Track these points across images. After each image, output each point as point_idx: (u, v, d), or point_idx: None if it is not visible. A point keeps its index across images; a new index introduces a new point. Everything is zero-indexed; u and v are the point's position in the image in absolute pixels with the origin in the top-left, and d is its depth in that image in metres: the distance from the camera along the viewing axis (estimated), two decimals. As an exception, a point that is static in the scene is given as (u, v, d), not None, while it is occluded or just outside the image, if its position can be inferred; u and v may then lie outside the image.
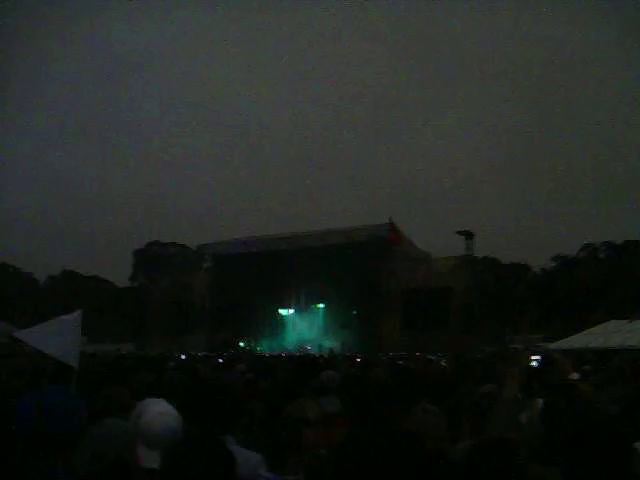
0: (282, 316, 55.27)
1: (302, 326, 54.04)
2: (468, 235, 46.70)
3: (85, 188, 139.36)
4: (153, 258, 78.54)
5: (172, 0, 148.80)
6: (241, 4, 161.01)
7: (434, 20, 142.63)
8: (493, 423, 3.12)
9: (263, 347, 51.96)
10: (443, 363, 13.96)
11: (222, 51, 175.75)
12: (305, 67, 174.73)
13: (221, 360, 18.50)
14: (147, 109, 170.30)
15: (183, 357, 25.02)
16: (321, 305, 53.78)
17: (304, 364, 13.29)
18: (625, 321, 27.77)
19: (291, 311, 55.19)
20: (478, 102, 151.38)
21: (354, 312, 50.44)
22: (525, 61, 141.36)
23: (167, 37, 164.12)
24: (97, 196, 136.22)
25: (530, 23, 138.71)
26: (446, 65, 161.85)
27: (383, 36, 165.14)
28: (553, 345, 28.97)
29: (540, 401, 4.64)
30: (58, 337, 6.68)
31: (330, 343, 48.16)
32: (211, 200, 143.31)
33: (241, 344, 51.59)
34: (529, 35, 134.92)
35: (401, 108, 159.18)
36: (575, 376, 3.58)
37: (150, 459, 3.22)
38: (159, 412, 3.44)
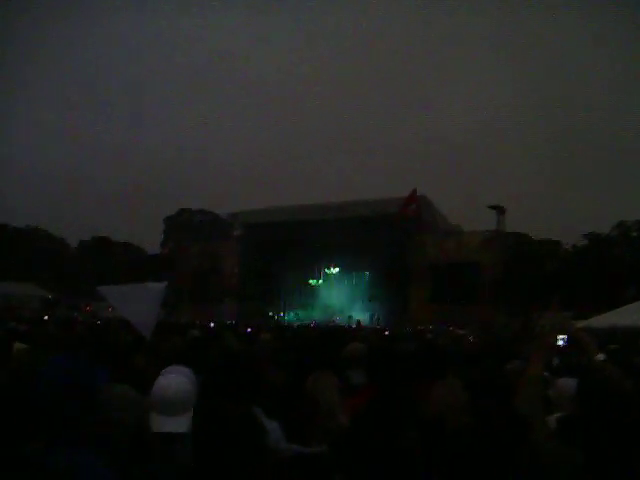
0: (311, 286, 55.36)
1: (331, 297, 54.08)
2: (500, 210, 46.35)
3: (117, 154, 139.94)
4: (184, 225, 78.87)
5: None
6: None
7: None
8: (518, 400, 3.11)
9: (292, 317, 52.13)
10: (471, 338, 13.91)
11: (245, 20, 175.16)
12: (335, 40, 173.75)
13: (249, 329, 18.62)
14: (179, 76, 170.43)
15: (212, 325, 25.27)
16: (350, 276, 53.82)
17: (332, 335, 13.35)
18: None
19: (320, 281, 55.28)
20: (513, 71, 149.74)
21: (382, 284, 50.38)
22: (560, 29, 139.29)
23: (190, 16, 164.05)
24: (129, 162, 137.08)
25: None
26: (475, 27, 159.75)
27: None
28: (582, 323, 28.79)
29: (563, 380, 4.62)
30: (139, 303, 6.73)
31: (358, 315, 48.23)
32: (243, 169, 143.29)
33: (270, 313, 51.79)
34: None
35: (432, 77, 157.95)
36: (601, 357, 3.53)
37: (163, 424, 3.26)
38: (172, 377, 3.46)
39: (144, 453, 3.11)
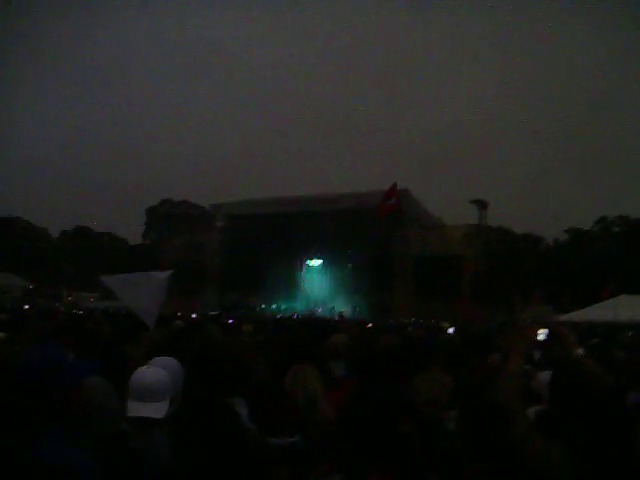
0: (293, 278, 55.36)
1: (313, 289, 54.12)
2: (482, 204, 46.60)
3: (100, 145, 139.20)
4: (166, 216, 78.66)
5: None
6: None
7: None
8: (498, 394, 3.13)
9: (274, 308, 52.12)
10: (451, 330, 13.95)
11: (237, 10, 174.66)
12: (321, 30, 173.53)
13: (231, 320, 18.60)
14: (164, 68, 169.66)
15: (193, 316, 25.22)
16: (333, 268, 53.86)
17: (314, 327, 13.36)
18: (637, 296, 27.73)
19: (302, 273, 55.30)
20: (496, 67, 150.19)
21: (365, 277, 50.47)
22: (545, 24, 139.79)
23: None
24: (111, 153, 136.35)
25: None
26: (461, 26, 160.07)
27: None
28: (563, 317, 28.94)
29: (545, 374, 4.65)
30: (144, 292, 6.69)
31: (341, 307, 48.29)
32: (225, 160, 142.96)
33: (252, 305, 51.76)
34: None
35: (415, 73, 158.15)
36: (580, 352, 3.56)
37: (138, 409, 3.28)
38: (147, 368, 3.48)
39: (123, 444, 3.13)
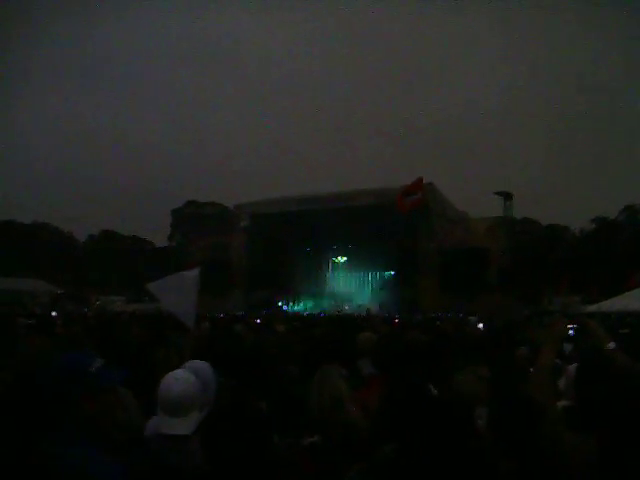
0: (320, 275, 55.46)
1: (340, 286, 54.19)
2: (507, 196, 46.24)
3: (125, 148, 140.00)
4: (191, 217, 78.96)
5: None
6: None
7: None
8: (530, 388, 3.11)
9: (301, 306, 52.23)
10: (480, 325, 13.86)
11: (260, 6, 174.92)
12: (335, 22, 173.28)
13: (258, 320, 18.65)
14: (188, 69, 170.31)
15: (221, 316, 25.34)
16: (359, 265, 53.85)
17: (342, 325, 13.34)
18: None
19: (328, 271, 55.37)
20: (520, 61, 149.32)
21: (392, 273, 50.40)
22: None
23: None
24: (137, 156, 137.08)
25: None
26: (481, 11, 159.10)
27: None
28: (592, 307, 28.70)
29: (574, 367, 4.61)
30: (179, 293, 6.75)
31: (367, 303, 48.36)
32: (248, 160, 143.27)
33: (279, 303, 51.87)
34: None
35: (435, 63, 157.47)
36: (611, 345, 3.52)
37: (167, 425, 3.28)
38: (175, 378, 3.46)
39: (142, 452, 3.14)
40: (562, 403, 3.60)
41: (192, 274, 7.12)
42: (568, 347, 7.53)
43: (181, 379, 3.45)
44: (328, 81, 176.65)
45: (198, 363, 3.90)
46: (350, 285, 54.44)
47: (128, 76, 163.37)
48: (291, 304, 53.01)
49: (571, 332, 6.70)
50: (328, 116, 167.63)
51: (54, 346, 6.17)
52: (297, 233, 51.41)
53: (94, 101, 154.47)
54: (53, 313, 20.04)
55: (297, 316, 28.48)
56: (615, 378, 3.07)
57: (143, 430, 3.41)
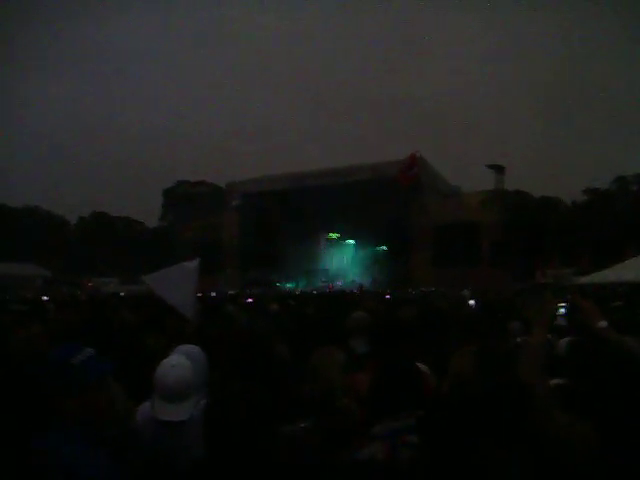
0: (312, 252, 55.47)
1: (333, 262, 54.25)
2: (498, 169, 46.19)
3: (115, 128, 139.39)
4: (183, 197, 78.67)
5: None
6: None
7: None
8: (522, 369, 3.08)
9: (294, 284, 52.27)
10: (472, 302, 13.80)
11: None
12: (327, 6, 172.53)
13: (250, 300, 18.61)
14: (178, 49, 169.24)
15: (213, 294, 25.36)
16: (351, 241, 53.87)
17: (334, 303, 13.31)
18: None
19: (321, 247, 55.39)
20: (506, 31, 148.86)
21: (384, 248, 50.43)
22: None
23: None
24: (127, 136, 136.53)
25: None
26: None
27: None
28: (584, 279, 28.76)
29: (565, 341, 4.58)
30: (177, 285, 6.72)
31: (360, 279, 48.41)
32: (239, 138, 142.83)
33: (276, 283, 51.90)
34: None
35: (423, 39, 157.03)
36: (604, 324, 3.48)
37: (164, 411, 3.27)
38: (171, 365, 3.44)
39: (133, 444, 3.12)
40: (555, 381, 3.58)
41: (192, 265, 7.10)
42: (561, 321, 7.53)
43: (177, 365, 3.44)
44: (317, 57, 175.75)
45: (189, 347, 3.88)
46: (343, 261, 54.48)
47: (119, 57, 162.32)
48: (284, 282, 53.02)
49: (563, 310, 6.68)
50: (318, 96, 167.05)
51: (47, 334, 6.11)
52: (289, 211, 51.40)
53: (83, 83, 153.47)
54: (45, 298, 19.92)
55: (290, 294, 28.46)
56: (606, 360, 3.04)
57: (132, 420, 3.39)
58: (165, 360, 3.50)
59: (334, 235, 54.85)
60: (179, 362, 3.49)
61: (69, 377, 2.61)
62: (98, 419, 2.67)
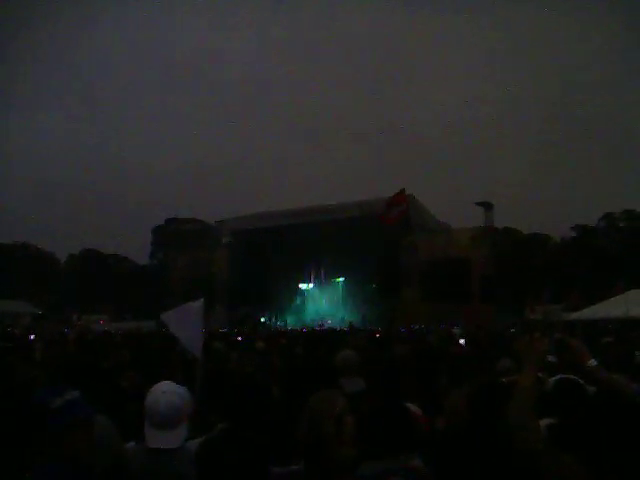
0: (302, 290, 55.43)
1: (322, 300, 54.18)
2: (487, 206, 46.43)
3: (104, 165, 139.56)
4: (172, 234, 78.78)
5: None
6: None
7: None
8: (513, 409, 3.09)
9: (283, 321, 52.12)
10: (463, 341, 13.77)
11: (230, 21, 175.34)
12: (312, 36, 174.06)
13: (240, 338, 18.57)
14: (166, 88, 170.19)
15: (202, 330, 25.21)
16: (341, 279, 53.82)
17: (323, 342, 13.26)
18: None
19: (311, 285, 55.33)
20: (496, 70, 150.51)
21: (373, 285, 50.41)
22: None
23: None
24: (115, 174, 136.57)
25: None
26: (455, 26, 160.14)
27: None
28: (574, 315, 28.83)
29: (553, 380, 4.59)
30: (186, 324, 6.81)
31: (350, 317, 48.38)
32: (229, 176, 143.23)
33: (262, 319, 51.72)
34: None
35: (411, 74, 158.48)
36: (593, 363, 3.50)
37: (156, 439, 3.27)
38: (162, 391, 3.46)
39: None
40: (545, 421, 3.59)
41: (197, 304, 7.14)
42: (552, 359, 7.54)
43: (168, 391, 3.46)
44: (305, 98, 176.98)
45: (169, 384, 3.88)
46: (332, 299, 54.38)
47: (107, 96, 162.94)
48: (274, 319, 52.86)
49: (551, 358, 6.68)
50: (304, 124, 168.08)
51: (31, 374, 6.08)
52: (278, 248, 51.36)
53: (72, 119, 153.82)
54: (31, 337, 19.74)
55: (280, 332, 28.38)
56: (593, 399, 3.06)
57: (122, 456, 3.38)
58: (155, 386, 3.52)
59: (323, 273, 54.82)
60: (169, 389, 3.51)
61: (46, 421, 2.65)
62: (78, 458, 2.69)
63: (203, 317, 7.00)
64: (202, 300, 7.18)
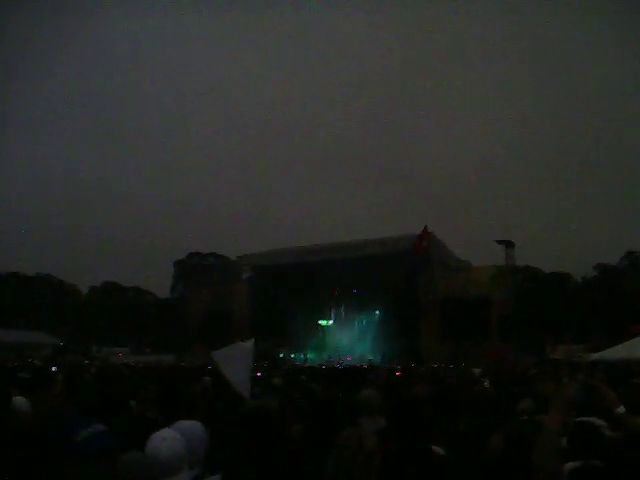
0: (322, 327, 55.34)
1: (341, 337, 54.02)
2: (508, 244, 46.30)
3: (127, 200, 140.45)
4: (193, 269, 79.16)
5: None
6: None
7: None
8: (538, 453, 3.09)
9: (303, 358, 51.99)
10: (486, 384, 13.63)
11: (242, 54, 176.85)
12: (332, 69, 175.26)
13: (259, 374, 18.48)
14: (191, 120, 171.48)
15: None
16: (360, 315, 53.71)
17: (344, 380, 13.20)
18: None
19: (330, 322, 55.25)
20: (516, 107, 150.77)
21: (393, 323, 50.29)
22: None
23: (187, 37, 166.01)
24: (139, 207, 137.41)
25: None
26: (473, 62, 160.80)
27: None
28: (596, 355, 28.56)
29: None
30: (235, 363, 6.93)
31: (369, 354, 48.29)
32: (250, 211, 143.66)
33: (280, 355, 51.60)
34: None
35: (430, 111, 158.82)
36: (621, 409, 3.50)
37: None
38: (162, 437, 3.45)
39: None
40: (570, 465, 3.57)
41: (248, 344, 7.27)
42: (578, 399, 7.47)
43: (168, 438, 3.45)
44: (327, 133, 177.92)
45: (188, 424, 3.90)
46: (352, 335, 54.22)
47: (125, 126, 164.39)
48: (293, 355, 52.77)
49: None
50: (325, 163, 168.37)
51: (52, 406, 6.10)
52: (299, 283, 51.42)
53: (93, 154, 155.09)
54: (53, 368, 19.77)
55: (299, 368, 28.26)
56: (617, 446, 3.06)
57: None
58: (155, 434, 3.51)
59: (342, 310, 54.75)
60: (169, 435, 3.50)
61: (69, 452, 2.68)
62: None
63: (253, 357, 7.08)
64: (253, 340, 7.30)
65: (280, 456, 3.85)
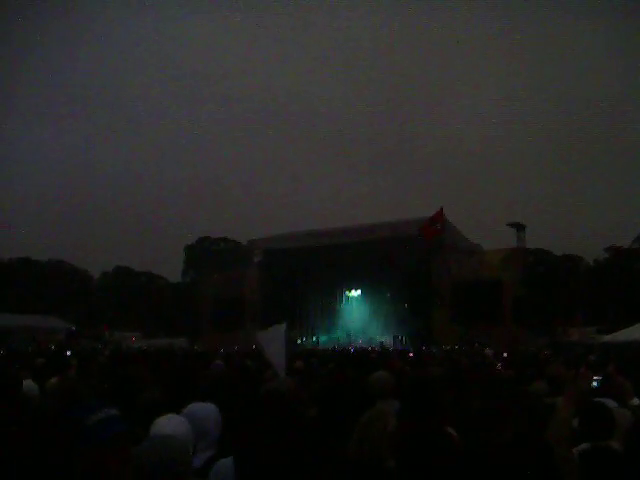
0: (333, 309, 55.37)
1: (353, 319, 54.03)
2: (519, 227, 46.20)
3: (138, 185, 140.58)
4: (204, 253, 79.26)
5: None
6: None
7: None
8: (550, 432, 3.11)
9: (315, 340, 52.08)
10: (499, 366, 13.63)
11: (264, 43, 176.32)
12: (344, 51, 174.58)
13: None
14: (204, 107, 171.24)
15: (236, 348, 25.40)
16: (372, 298, 53.71)
17: (357, 363, 13.22)
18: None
19: (343, 304, 55.29)
20: (530, 90, 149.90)
21: (405, 305, 50.29)
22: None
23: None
24: (149, 192, 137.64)
25: None
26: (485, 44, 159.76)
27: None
28: (608, 337, 28.53)
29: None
30: (274, 345, 7.47)
31: (381, 336, 48.34)
32: (262, 195, 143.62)
33: (297, 340, 51.67)
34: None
35: (441, 94, 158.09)
36: (636, 402, 3.52)
37: None
38: (166, 421, 3.46)
39: None
40: (580, 447, 3.59)
41: (282, 328, 7.87)
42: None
43: (173, 421, 3.45)
44: (337, 116, 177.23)
45: (199, 405, 3.93)
46: (364, 318, 54.23)
47: (137, 112, 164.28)
48: (305, 338, 52.85)
49: (595, 384, 6.65)
50: (334, 145, 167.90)
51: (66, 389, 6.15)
52: (310, 267, 51.41)
53: (105, 138, 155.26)
54: (68, 352, 19.93)
55: (310, 351, 28.30)
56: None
57: None
58: (159, 419, 3.50)
59: (354, 292, 54.73)
60: (174, 418, 3.50)
61: (80, 437, 2.65)
62: (110, 476, 2.69)
63: (286, 340, 7.43)
64: (285, 324, 7.91)
65: (295, 439, 3.87)
